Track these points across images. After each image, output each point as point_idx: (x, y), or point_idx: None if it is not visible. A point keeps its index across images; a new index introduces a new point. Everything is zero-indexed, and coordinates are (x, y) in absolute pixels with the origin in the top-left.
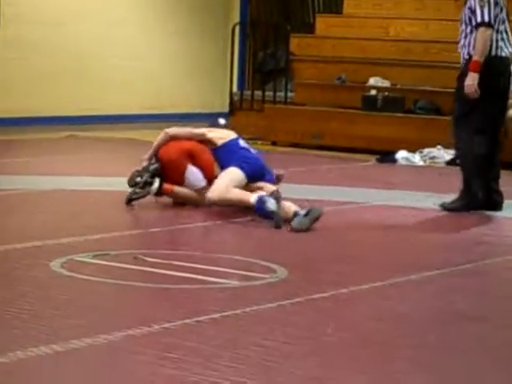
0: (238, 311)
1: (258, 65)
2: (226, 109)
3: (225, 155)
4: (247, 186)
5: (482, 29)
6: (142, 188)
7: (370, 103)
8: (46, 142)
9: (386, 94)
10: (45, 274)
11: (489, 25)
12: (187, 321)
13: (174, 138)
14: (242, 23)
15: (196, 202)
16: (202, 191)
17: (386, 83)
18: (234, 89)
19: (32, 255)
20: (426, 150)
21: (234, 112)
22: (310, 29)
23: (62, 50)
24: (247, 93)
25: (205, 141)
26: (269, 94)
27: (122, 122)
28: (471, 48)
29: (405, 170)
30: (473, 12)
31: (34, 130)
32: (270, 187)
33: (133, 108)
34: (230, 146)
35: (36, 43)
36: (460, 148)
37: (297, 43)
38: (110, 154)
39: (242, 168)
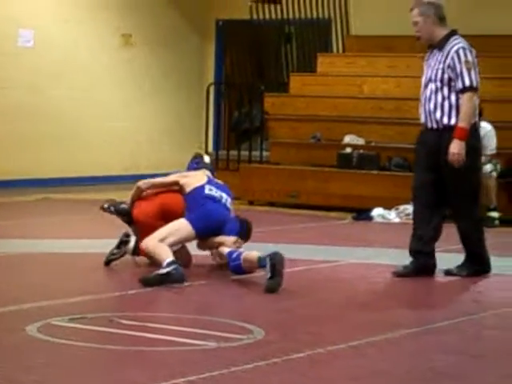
0: (214, 373)
1: (233, 124)
2: None
3: (189, 203)
4: (206, 241)
5: (469, 94)
6: (118, 248)
7: (345, 161)
8: (20, 204)
9: (361, 151)
10: (21, 339)
11: (476, 90)
12: None
13: (147, 190)
14: (217, 83)
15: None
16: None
17: (361, 141)
18: (210, 149)
19: (7, 320)
20: (401, 207)
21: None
22: (284, 88)
23: (39, 114)
24: (223, 152)
25: (178, 188)
26: (244, 153)
27: (100, 183)
28: (453, 114)
29: (381, 228)
30: (457, 74)
31: (9, 192)
32: (229, 240)
33: (111, 169)
34: (195, 193)
35: (13, 107)
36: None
37: (271, 102)
38: (85, 215)
39: (192, 222)
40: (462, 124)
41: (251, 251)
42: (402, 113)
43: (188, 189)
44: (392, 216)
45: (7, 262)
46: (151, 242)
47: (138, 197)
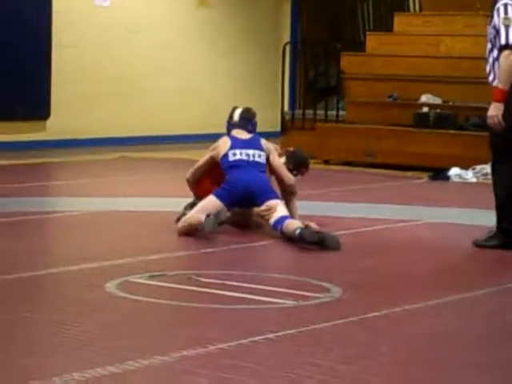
0: (292, 331)
1: (309, 83)
2: (278, 128)
3: (223, 175)
4: (246, 212)
5: (505, 52)
6: (190, 207)
7: (422, 121)
8: (97, 163)
9: (438, 111)
10: (100, 295)
11: None
12: (242, 341)
13: (197, 179)
14: (293, 42)
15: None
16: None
17: (438, 100)
18: (286, 108)
19: (87, 277)
20: (478, 167)
21: (286, 131)
22: (360, 47)
23: (113, 73)
24: (298, 112)
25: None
26: (320, 112)
27: (173, 142)
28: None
29: (458, 187)
30: (497, 32)
31: (85, 151)
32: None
33: (188, 128)
34: (222, 165)
35: (86, 67)
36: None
37: (348, 61)
38: (162, 174)
39: (219, 197)
40: (498, 85)
41: (292, 221)
42: (479, 72)
43: (218, 161)
44: (469, 176)
45: (84, 220)
46: (180, 224)
47: (195, 188)
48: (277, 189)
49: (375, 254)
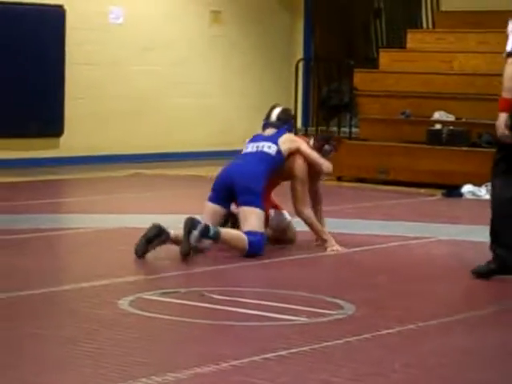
0: (305, 348)
1: (323, 100)
2: None
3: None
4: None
5: (510, 60)
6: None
7: (435, 137)
8: (111, 180)
9: (451, 128)
10: (113, 312)
11: None
12: (255, 358)
13: None
14: (306, 59)
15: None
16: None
17: (451, 117)
18: (299, 125)
19: (100, 294)
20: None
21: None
22: (373, 64)
23: (126, 90)
24: (312, 129)
25: None
26: (333, 129)
27: (187, 159)
28: None
29: (471, 204)
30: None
31: (99, 168)
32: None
33: (201, 145)
34: None
35: (101, 83)
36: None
37: (360, 78)
38: (175, 191)
39: (209, 199)
40: (503, 94)
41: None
42: (492, 89)
43: None
44: (482, 193)
45: (96, 237)
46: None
47: None
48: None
49: (388, 271)
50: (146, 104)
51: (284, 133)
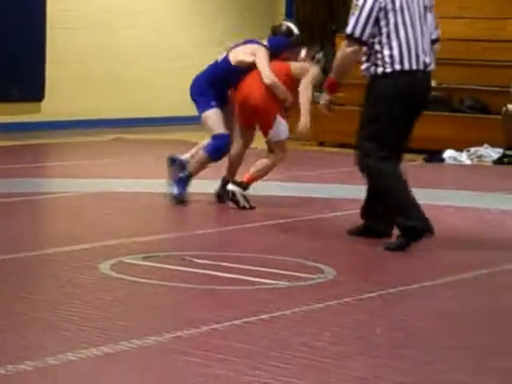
0: (286, 312)
1: None
2: None
3: None
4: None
5: (345, 43)
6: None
7: None
8: (93, 144)
9: (433, 93)
10: (94, 276)
11: (354, 39)
12: (235, 322)
13: None
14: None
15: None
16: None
17: (433, 82)
18: None
19: (81, 258)
20: (473, 149)
21: None
22: None
23: (108, 55)
24: None
25: None
26: (315, 94)
27: (169, 123)
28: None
29: (452, 170)
30: None
31: (82, 133)
32: None
33: (183, 110)
34: None
35: (82, 48)
36: None
37: (342, 43)
38: (157, 156)
39: None
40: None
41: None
42: (473, 54)
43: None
44: (463, 158)
45: (78, 201)
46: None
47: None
48: None
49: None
50: (129, 68)
51: (253, 43)
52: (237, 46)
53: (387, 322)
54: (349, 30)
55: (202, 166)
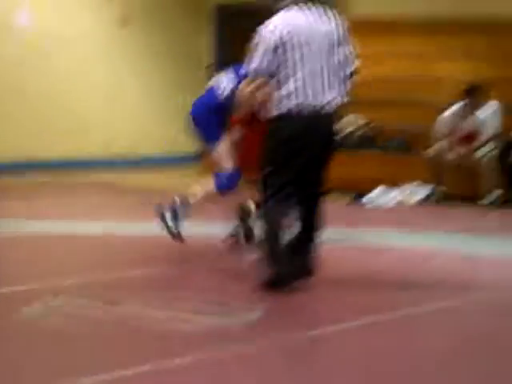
0: (213, 352)
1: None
2: (196, 152)
3: None
4: None
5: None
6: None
7: (344, 141)
8: (15, 186)
9: (361, 132)
10: (15, 320)
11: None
12: (160, 362)
13: None
14: (214, 64)
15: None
16: None
17: (360, 121)
18: None
19: (3, 301)
20: (401, 188)
21: (205, 154)
22: None
23: (30, 92)
24: None
25: None
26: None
27: (94, 165)
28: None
29: (380, 209)
30: None
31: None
32: None
33: (107, 149)
34: None
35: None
36: None
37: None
38: (81, 198)
39: None
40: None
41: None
42: (403, 94)
43: None
44: (392, 196)
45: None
46: None
47: None
48: None
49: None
50: (51, 106)
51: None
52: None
53: (311, 364)
54: (248, 67)
55: (205, 200)
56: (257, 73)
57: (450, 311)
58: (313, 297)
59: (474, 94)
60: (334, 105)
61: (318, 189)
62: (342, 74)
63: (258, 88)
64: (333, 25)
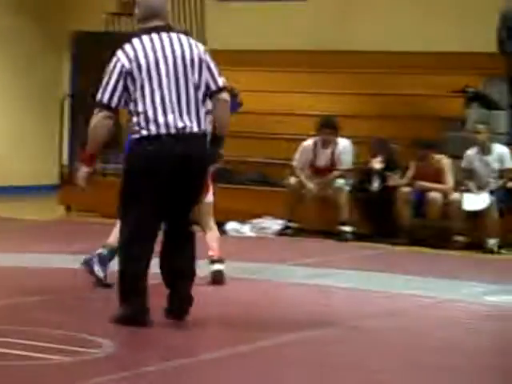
0: None
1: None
2: (56, 181)
3: None
4: None
5: (96, 110)
6: None
7: None
8: None
9: (216, 165)
10: None
11: (103, 106)
12: None
13: None
14: (71, 96)
15: None
16: None
17: (223, 152)
18: (65, 161)
19: None
20: (255, 221)
21: (64, 185)
22: None
23: None
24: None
25: None
26: (101, 166)
27: None
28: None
29: (234, 242)
30: None
31: None
32: None
33: None
34: None
35: None
36: None
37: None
38: None
39: None
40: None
41: None
42: (260, 127)
43: None
44: (246, 230)
45: None
46: None
47: None
48: None
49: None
50: None
51: None
52: None
53: None
54: (98, 96)
55: None
56: (103, 104)
57: (306, 342)
58: (167, 329)
59: (328, 128)
60: (191, 130)
61: (186, 222)
62: (199, 100)
63: (106, 120)
64: (187, 51)
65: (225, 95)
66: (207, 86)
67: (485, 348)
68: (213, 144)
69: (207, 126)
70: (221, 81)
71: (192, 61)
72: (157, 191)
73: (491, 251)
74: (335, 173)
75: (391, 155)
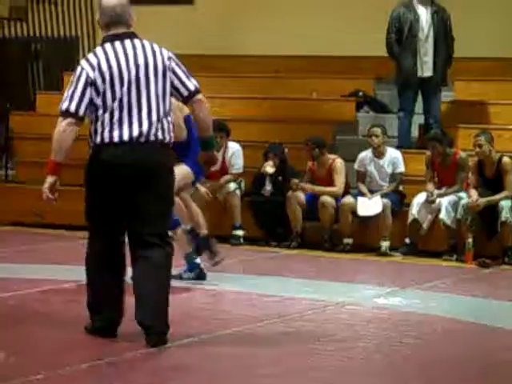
0: None
1: None
2: None
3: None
4: None
5: (60, 119)
6: None
7: None
8: None
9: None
10: None
11: (68, 114)
12: None
13: None
14: None
15: None
16: None
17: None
18: None
19: None
20: None
21: None
22: (32, 106)
23: None
24: None
25: None
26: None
27: None
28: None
29: None
30: None
31: None
32: None
33: None
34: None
35: None
36: None
37: (18, 121)
38: None
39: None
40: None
41: None
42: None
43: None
44: None
45: None
46: None
47: None
48: None
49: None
50: None
51: None
52: None
53: None
54: (64, 105)
55: None
56: (69, 112)
57: (194, 346)
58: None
59: (218, 132)
60: (147, 139)
61: (152, 233)
62: (161, 109)
63: (72, 126)
64: (151, 58)
65: (199, 96)
66: (178, 93)
67: (371, 350)
68: (205, 149)
69: (170, 136)
70: (192, 84)
71: (156, 69)
72: (113, 201)
73: (384, 254)
74: (226, 177)
75: (284, 160)
